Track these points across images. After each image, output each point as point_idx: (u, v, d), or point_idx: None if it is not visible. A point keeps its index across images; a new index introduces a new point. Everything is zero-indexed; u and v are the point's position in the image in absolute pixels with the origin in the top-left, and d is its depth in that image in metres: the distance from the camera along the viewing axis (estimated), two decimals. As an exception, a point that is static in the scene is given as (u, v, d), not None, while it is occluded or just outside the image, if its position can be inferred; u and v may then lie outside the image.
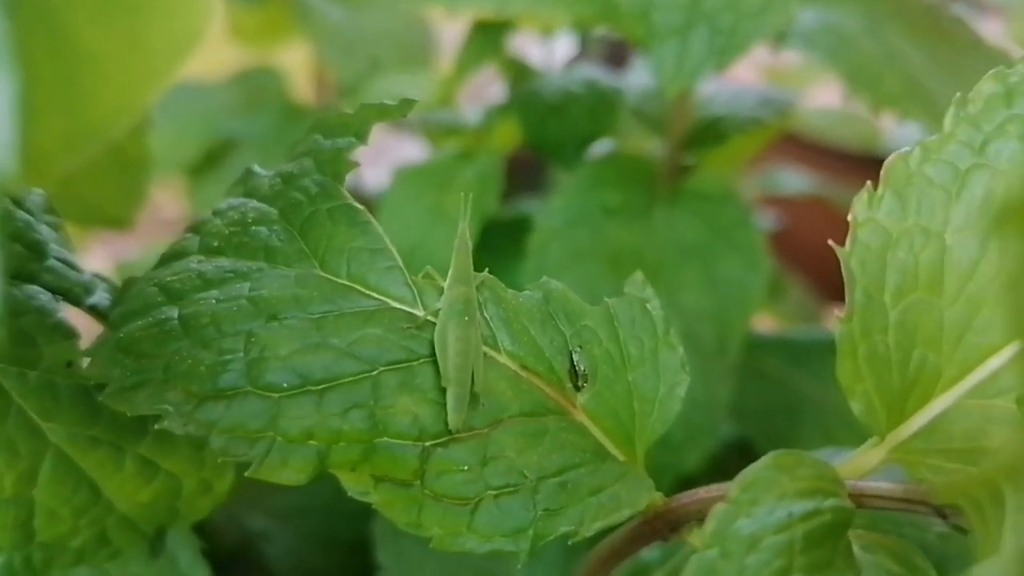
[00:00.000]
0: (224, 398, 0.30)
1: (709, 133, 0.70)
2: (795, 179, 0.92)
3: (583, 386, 0.35)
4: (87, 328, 0.36)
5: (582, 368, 0.35)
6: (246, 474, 0.30)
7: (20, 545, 0.35)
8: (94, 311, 0.37)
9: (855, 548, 0.29)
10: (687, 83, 0.53)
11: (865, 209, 0.32)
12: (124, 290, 0.35)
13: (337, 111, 0.37)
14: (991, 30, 0.84)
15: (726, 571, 0.26)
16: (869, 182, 0.32)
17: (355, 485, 0.31)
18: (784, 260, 0.86)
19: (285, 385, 0.31)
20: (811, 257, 0.83)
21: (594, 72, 0.76)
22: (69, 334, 0.36)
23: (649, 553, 0.46)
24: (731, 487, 0.28)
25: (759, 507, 0.28)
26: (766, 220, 0.88)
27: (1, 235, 0.35)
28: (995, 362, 0.30)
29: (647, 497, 0.33)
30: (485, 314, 0.35)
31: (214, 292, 0.33)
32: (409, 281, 0.34)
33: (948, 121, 0.33)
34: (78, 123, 0.24)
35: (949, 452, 0.30)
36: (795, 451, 0.30)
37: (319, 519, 0.59)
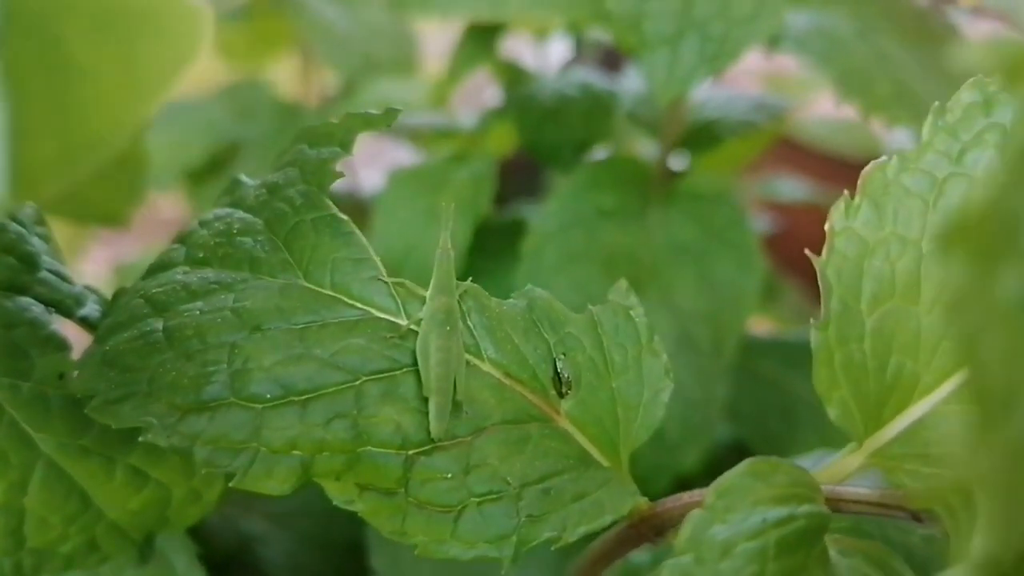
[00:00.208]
0: (208, 410, 0.31)
1: (703, 136, 0.70)
2: (794, 186, 0.93)
3: (567, 393, 0.35)
4: (80, 340, 0.37)
5: (566, 375, 0.35)
6: (231, 484, 0.30)
7: (10, 551, 0.35)
8: (85, 323, 0.37)
9: (832, 552, 0.29)
10: (679, 91, 0.54)
11: (842, 218, 0.32)
12: (113, 301, 0.36)
13: (325, 119, 0.37)
14: (989, 31, 0.84)
15: (700, 576, 0.27)
16: (846, 191, 0.32)
17: (340, 494, 0.31)
18: (782, 264, 0.86)
19: (268, 396, 0.31)
20: (808, 261, 0.83)
21: (589, 76, 0.77)
22: (61, 346, 0.36)
23: (640, 556, 0.46)
24: (707, 493, 0.29)
25: (734, 513, 0.28)
26: (764, 223, 0.89)
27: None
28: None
29: (630, 502, 0.33)
30: (468, 322, 0.35)
31: (199, 304, 0.33)
32: (393, 291, 0.34)
33: (926, 130, 0.33)
34: (72, 140, 0.24)
35: (927, 457, 0.30)
36: (772, 458, 0.30)
37: (315, 522, 0.60)
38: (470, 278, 0.36)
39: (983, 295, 0.17)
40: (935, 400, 0.30)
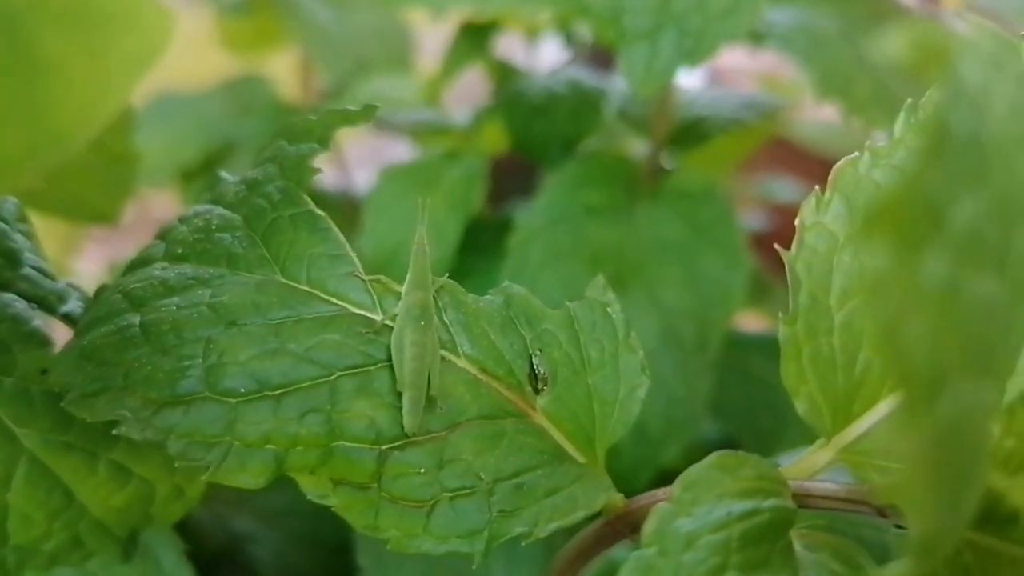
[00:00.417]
0: (182, 403, 0.31)
1: (691, 133, 0.70)
2: (788, 187, 0.93)
3: (543, 389, 0.35)
4: (63, 337, 0.37)
5: (542, 371, 0.35)
6: (203, 478, 0.30)
7: (-6, 547, 0.35)
8: (67, 319, 0.38)
9: (798, 547, 0.29)
10: (656, 84, 0.54)
11: (812, 213, 0.32)
12: (95, 298, 0.36)
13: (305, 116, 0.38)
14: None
15: (663, 568, 0.27)
16: (817, 186, 0.33)
17: (314, 488, 0.31)
18: (775, 263, 0.86)
19: (243, 390, 0.31)
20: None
21: (578, 74, 0.77)
22: (44, 342, 0.37)
23: (621, 553, 0.46)
24: (674, 486, 0.29)
25: (699, 507, 0.28)
26: (757, 222, 0.89)
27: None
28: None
29: (604, 498, 0.33)
30: (444, 318, 0.35)
31: (175, 299, 0.33)
32: (368, 287, 0.35)
33: (898, 127, 0.33)
34: (40, 135, 0.24)
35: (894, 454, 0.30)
36: (739, 452, 0.30)
37: (304, 522, 0.60)
38: (452, 275, 0.37)
39: (907, 280, 0.17)
40: (895, 414, 0.30)
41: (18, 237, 0.39)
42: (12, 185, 0.24)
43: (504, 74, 0.81)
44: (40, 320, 0.37)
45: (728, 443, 0.71)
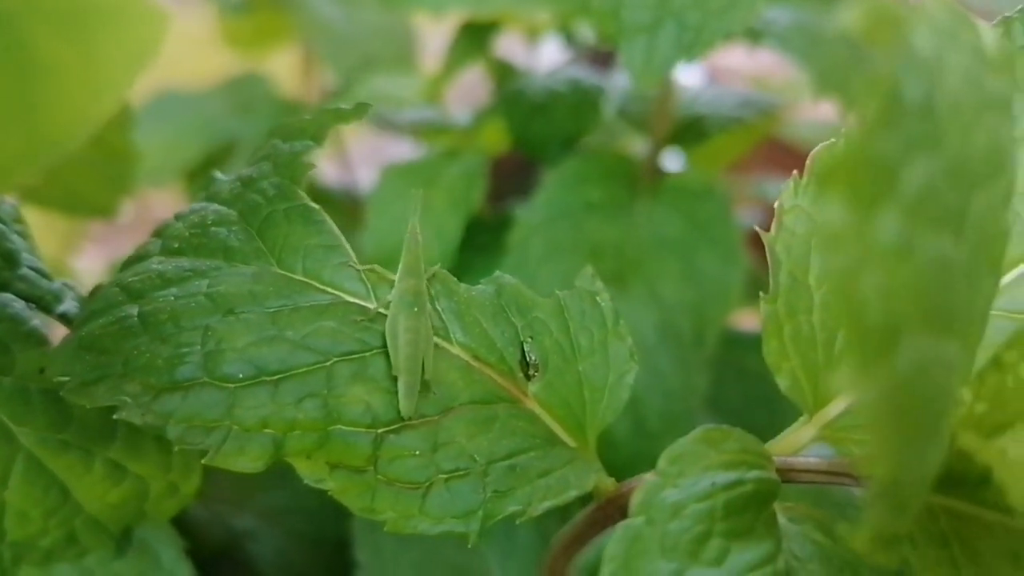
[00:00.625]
0: (181, 389, 0.32)
1: (691, 131, 0.71)
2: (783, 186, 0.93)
3: (534, 375, 0.36)
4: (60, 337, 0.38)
5: (533, 358, 0.36)
6: (203, 461, 0.31)
7: (-10, 545, 0.36)
8: (64, 318, 0.38)
9: (781, 519, 0.30)
10: (655, 78, 0.54)
11: (791, 197, 0.33)
12: (91, 295, 0.37)
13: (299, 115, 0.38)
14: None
15: (650, 536, 0.28)
16: (796, 171, 0.33)
17: (311, 472, 0.32)
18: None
19: (241, 376, 0.32)
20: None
21: (578, 72, 0.78)
22: (42, 341, 0.37)
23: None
24: (660, 459, 0.30)
25: (685, 478, 0.29)
26: (749, 220, 0.89)
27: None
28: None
29: (594, 478, 0.34)
30: (437, 307, 0.36)
31: (173, 290, 0.34)
32: (363, 276, 0.35)
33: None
34: (36, 135, 0.25)
35: (874, 428, 0.31)
36: (723, 426, 0.31)
37: (304, 519, 0.60)
38: (452, 272, 0.37)
39: (861, 236, 0.17)
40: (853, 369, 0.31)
41: (15, 238, 0.39)
42: (8, 183, 0.25)
43: (504, 73, 0.81)
44: (38, 320, 0.38)
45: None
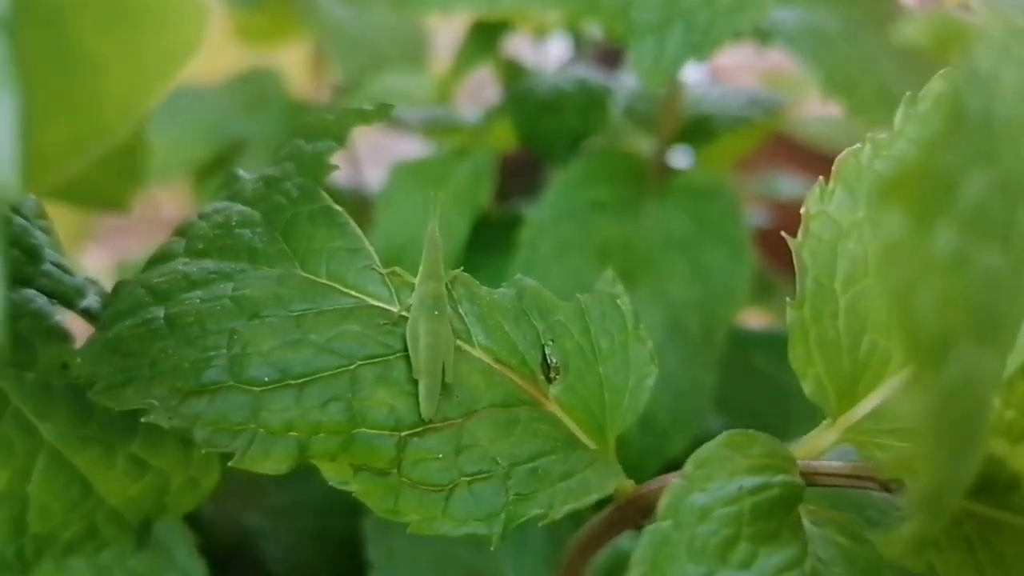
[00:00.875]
0: (207, 392, 0.32)
1: (698, 131, 0.71)
2: (793, 183, 0.94)
3: (555, 378, 0.36)
4: (80, 332, 0.38)
5: (554, 361, 0.36)
6: (229, 464, 0.31)
7: (13, 538, 0.36)
8: (86, 314, 0.38)
9: (805, 522, 0.30)
10: (664, 77, 0.55)
11: (817, 203, 0.33)
12: (114, 292, 0.37)
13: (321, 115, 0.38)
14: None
15: (678, 540, 0.28)
16: (821, 177, 0.34)
17: (335, 475, 0.32)
18: (778, 260, 0.87)
19: (266, 379, 0.32)
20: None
21: (586, 72, 0.78)
22: (64, 337, 0.37)
23: (629, 543, 0.47)
24: (687, 464, 0.30)
25: (712, 482, 0.29)
26: (760, 218, 0.90)
27: (4, 244, 0.36)
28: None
29: (615, 481, 0.34)
30: (460, 310, 0.36)
31: (198, 292, 0.34)
32: (386, 280, 0.36)
33: (898, 119, 0.34)
34: (81, 128, 0.25)
35: (898, 432, 0.31)
36: (749, 431, 0.31)
37: (314, 518, 0.60)
38: (461, 269, 0.38)
39: (919, 249, 0.18)
40: (905, 377, 0.32)
41: (38, 233, 0.39)
42: (53, 176, 0.25)
43: (512, 72, 0.82)
44: (60, 316, 0.38)
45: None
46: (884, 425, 0.31)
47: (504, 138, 0.80)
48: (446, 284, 0.36)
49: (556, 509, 0.33)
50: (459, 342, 0.35)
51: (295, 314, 0.34)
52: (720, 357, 0.62)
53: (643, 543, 0.28)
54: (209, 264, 0.35)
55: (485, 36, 0.80)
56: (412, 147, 0.95)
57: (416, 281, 0.36)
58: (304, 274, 0.35)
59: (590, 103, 0.73)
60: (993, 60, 0.19)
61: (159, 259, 0.37)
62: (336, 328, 0.34)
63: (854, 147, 0.34)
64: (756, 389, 0.73)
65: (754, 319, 0.90)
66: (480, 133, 0.78)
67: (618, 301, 0.38)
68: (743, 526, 0.28)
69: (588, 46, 0.98)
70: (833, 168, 0.34)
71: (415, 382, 0.34)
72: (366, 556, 0.53)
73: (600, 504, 0.35)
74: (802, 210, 0.33)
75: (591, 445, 0.36)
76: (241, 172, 0.39)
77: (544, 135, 0.73)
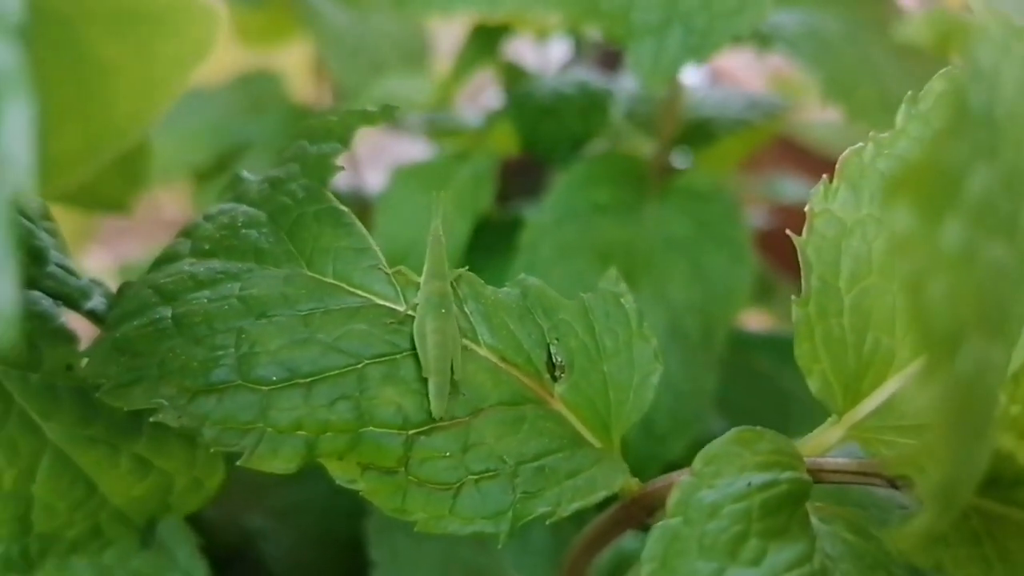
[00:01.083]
0: (216, 392, 0.32)
1: (698, 133, 0.72)
2: (796, 186, 0.94)
3: (560, 377, 0.36)
4: (85, 333, 0.38)
5: (559, 360, 0.36)
6: (238, 463, 0.31)
7: (18, 537, 0.36)
8: (92, 315, 0.38)
9: (812, 519, 0.30)
10: (663, 79, 0.55)
11: (821, 201, 0.33)
12: (120, 293, 0.37)
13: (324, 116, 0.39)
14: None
15: (688, 537, 0.28)
16: (825, 176, 0.34)
17: (342, 474, 0.32)
18: (780, 262, 0.87)
19: (274, 378, 0.32)
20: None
21: (586, 75, 0.78)
22: (69, 338, 0.38)
23: (631, 543, 0.47)
24: (696, 461, 0.30)
25: (720, 479, 0.29)
26: (761, 220, 0.90)
27: (16, 248, 0.36)
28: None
29: (621, 479, 0.34)
30: (465, 309, 0.36)
31: (206, 292, 0.34)
32: (392, 279, 0.36)
33: (900, 118, 0.34)
34: (94, 132, 0.26)
35: (902, 429, 0.31)
36: (756, 428, 0.31)
37: (316, 518, 0.60)
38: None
39: (928, 243, 0.18)
40: (910, 374, 0.32)
41: (43, 235, 0.39)
42: (66, 180, 0.25)
43: (513, 75, 0.82)
44: (65, 317, 0.38)
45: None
46: (889, 422, 0.32)
47: (505, 141, 0.80)
48: (451, 283, 0.36)
49: (563, 507, 0.33)
50: (465, 341, 0.35)
51: (302, 313, 0.34)
52: (720, 359, 0.62)
53: (652, 540, 0.28)
54: (216, 264, 0.36)
55: (486, 39, 0.80)
56: (412, 150, 0.95)
57: (421, 280, 0.36)
58: (311, 274, 0.35)
59: (591, 106, 0.73)
60: (994, 58, 0.20)
61: (165, 260, 0.37)
62: (343, 327, 0.34)
63: (856, 146, 0.34)
64: (756, 391, 0.73)
65: (755, 321, 0.90)
66: (481, 136, 0.79)
67: (622, 300, 0.38)
68: (752, 522, 0.29)
69: (589, 49, 0.98)
70: (837, 167, 0.34)
71: (422, 380, 0.34)
72: (369, 556, 0.53)
73: (603, 504, 0.36)
74: (806, 208, 0.34)
75: (596, 443, 0.36)
76: (246, 174, 0.39)
77: (545, 138, 0.73)
